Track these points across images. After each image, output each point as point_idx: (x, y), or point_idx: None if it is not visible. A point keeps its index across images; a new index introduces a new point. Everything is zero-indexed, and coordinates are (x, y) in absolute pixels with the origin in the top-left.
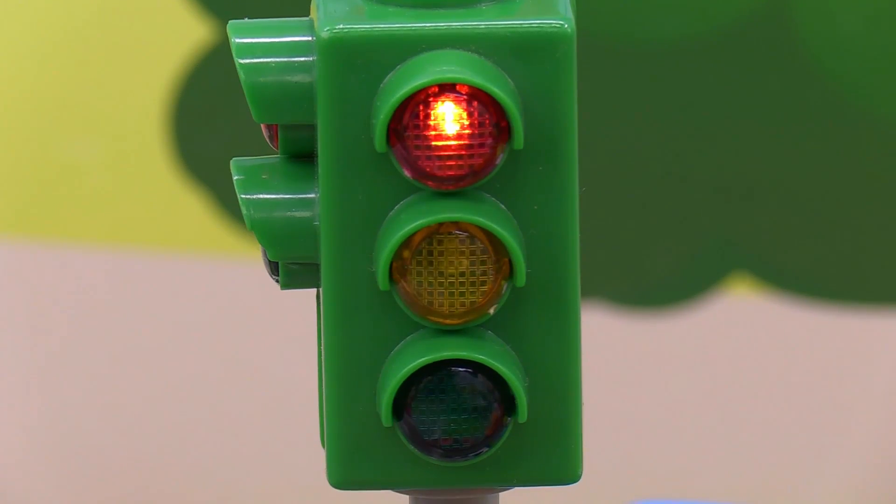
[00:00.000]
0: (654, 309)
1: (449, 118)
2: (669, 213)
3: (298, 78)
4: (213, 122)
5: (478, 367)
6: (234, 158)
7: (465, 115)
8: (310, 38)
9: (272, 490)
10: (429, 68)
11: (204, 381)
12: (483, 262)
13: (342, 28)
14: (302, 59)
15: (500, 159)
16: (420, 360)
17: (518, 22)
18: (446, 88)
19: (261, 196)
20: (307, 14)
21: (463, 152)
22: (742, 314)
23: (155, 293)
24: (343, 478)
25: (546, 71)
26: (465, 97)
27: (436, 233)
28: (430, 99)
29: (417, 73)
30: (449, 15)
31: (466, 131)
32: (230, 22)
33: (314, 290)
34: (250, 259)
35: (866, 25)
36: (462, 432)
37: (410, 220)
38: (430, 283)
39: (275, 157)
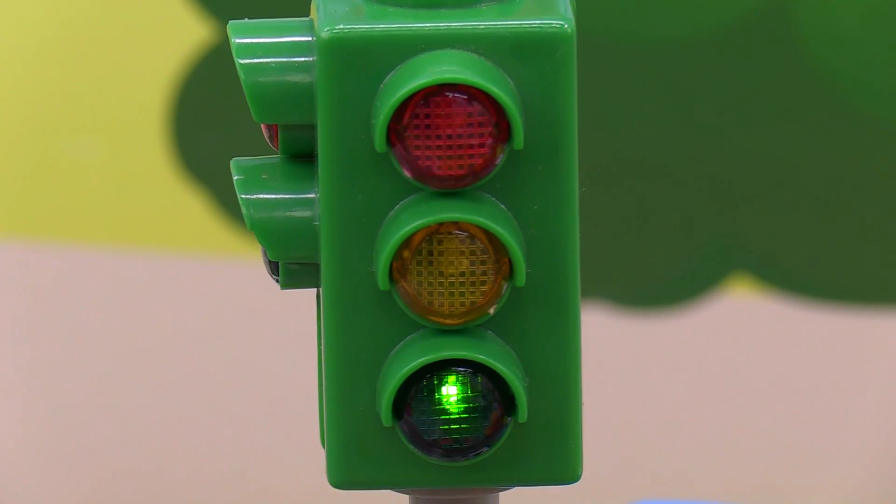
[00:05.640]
0: (654, 309)
1: (449, 118)
2: (669, 213)
3: (298, 78)
4: (213, 122)
5: (478, 367)
6: (234, 158)
7: (464, 115)
8: (310, 39)
9: (272, 490)
10: (429, 68)
11: (204, 381)
12: (483, 262)
13: (342, 28)
14: (302, 59)
15: (500, 159)
16: (420, 360)
17: (518, 22)
18: (446, 88)
19: (261, 196)
20: (307, 14)
21: (463, 152)
22: (742, 314)
23: (155, 293)
24: (343, 478)
25: (546, 71)
26: (464, 97)
27: (436, 233)
28: (431, 99)
29: (417, 73)
30: (449, 15)
31: (466, 131)
32: (230, 22)
33: (314, 290)
34: (250, 259)
35: (866, 24)
36: (462, 432)
37: (410, 220)
38: (430, 283)
39: (275, 157)
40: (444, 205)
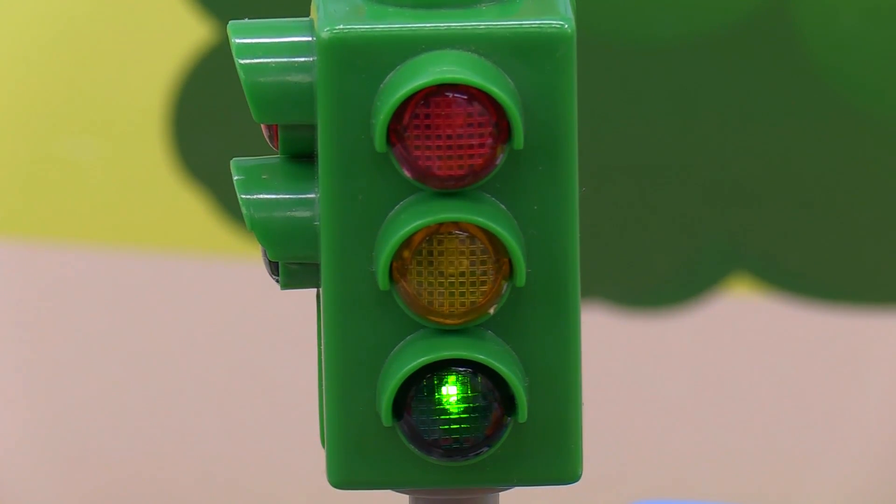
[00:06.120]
0: (654, 309)
1: (449, 118)
2: (669, 213)
3: (298, 78)
4: (213, 122)
5: (478, 367)
6: (234, 158)
7: (464, 115)
8: (310, 39)
9: (272, 490)
10: (429, 68)
11: (204, 381)
12: (483, 262)
13: (342, 28)
14: (302, 59)
15: (500, 159)
16: (420, 360)
17: (518, 22)
18: (446, 88)
19: (261, 196)
20: (307, 14)
21: (463, 152)
22: (742, 314)
23: (155, 293)
24: (343, 478)
25: (546, 71)
26: (464, 97)
27: (436, 233)
28: (431, 99)
29: (417, 73)
30: (449, 15)
31: (466, 131)
32: (230, 22)
33: (314, 290)
34: (250, 259)
35: (866, 25)
36: (462, 432)
37: (410, 220)
38: (430, 283)
39: (275, 157)
40: (444, 205)
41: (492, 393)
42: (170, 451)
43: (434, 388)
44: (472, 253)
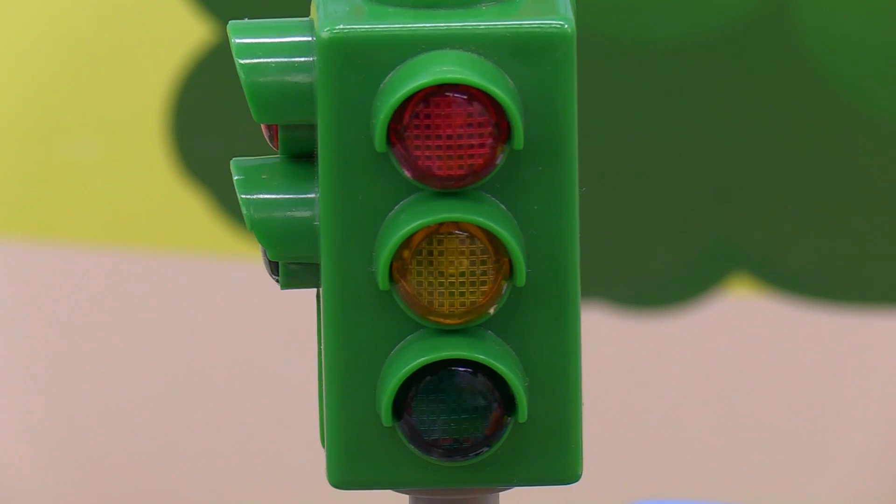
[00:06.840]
0: (654, 309)
1: (449, 118)
2: (669, 213)
3: (298, 78)
4: (213, 122)
5: (478, 367)
6: (234, 158)
7: (464, 115)
8: (310, 39)
9: (272, 490)
10: (429, 68)
11: (204, 381)
12: (483, 262)
13: (342, 28)
14: (302, 59)
15: (500, 159)
16: (420, 360)
17: (518, 22)
18: (446, 88)
19: (261, 196)
20: (307, 14)
21: (463, 152)
22: (742, 314)
23: (155, 293)
24: (343, 478)
25: (546, 71)
26: (465, 97)
27: (436, 233)
28: (431, 99)
29: (417, 73)
30: (449, 15)
31: (466, 131)
32: (230, 22)
33: (314, 290)
34: (250, 259)
35: (866, 25)
36: (462, 432)
37: (410, 220)
38: (430, 283)
39: (275, 157)
40: (444, 205)
41: (492, 393)
42: (169, 450)
43: (434, 388)
44: (472, 253)
